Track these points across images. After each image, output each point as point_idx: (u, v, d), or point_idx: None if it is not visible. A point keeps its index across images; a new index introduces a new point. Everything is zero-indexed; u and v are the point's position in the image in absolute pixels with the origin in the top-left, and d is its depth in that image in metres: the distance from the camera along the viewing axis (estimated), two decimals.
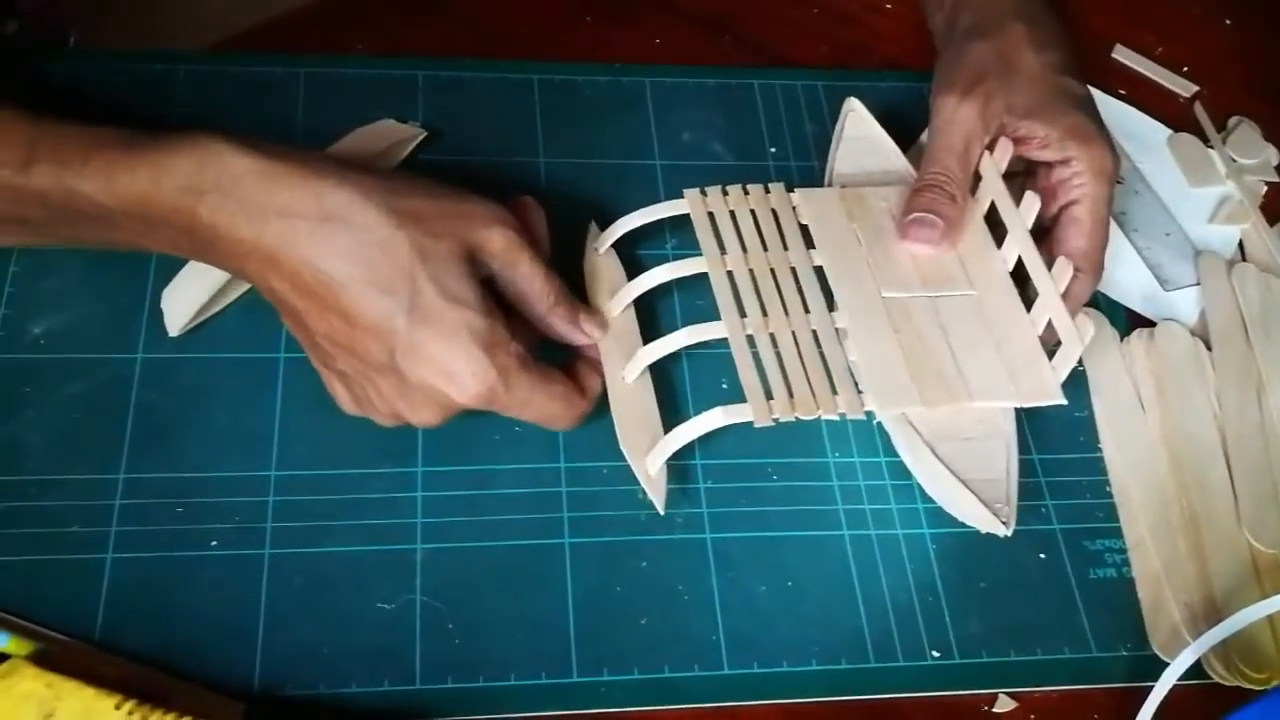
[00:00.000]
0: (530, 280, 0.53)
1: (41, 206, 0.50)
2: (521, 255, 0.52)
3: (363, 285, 0.49)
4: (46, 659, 0.47)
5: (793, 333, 0.55)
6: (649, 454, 0.54)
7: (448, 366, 0.50)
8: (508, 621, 0.52)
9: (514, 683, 0.51)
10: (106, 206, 0.49)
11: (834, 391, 0.54)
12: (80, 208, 0.49)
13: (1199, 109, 0.75)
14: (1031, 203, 0.58)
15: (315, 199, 0.49)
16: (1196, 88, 0.76)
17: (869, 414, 0.54)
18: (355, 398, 0.52)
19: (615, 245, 0.61)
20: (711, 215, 0.59)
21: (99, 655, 0.49)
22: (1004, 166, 0.60)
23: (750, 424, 0.52)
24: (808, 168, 0.67)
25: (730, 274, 0.57)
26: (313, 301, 0.49)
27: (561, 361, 0.56)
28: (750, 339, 0.55)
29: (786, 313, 0.56)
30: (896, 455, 0.58)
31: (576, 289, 0.59)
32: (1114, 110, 0.73)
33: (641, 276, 0.58)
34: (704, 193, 0.59)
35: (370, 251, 0.49)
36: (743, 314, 0.56)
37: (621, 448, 0.54)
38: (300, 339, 0.52)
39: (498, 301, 0.52)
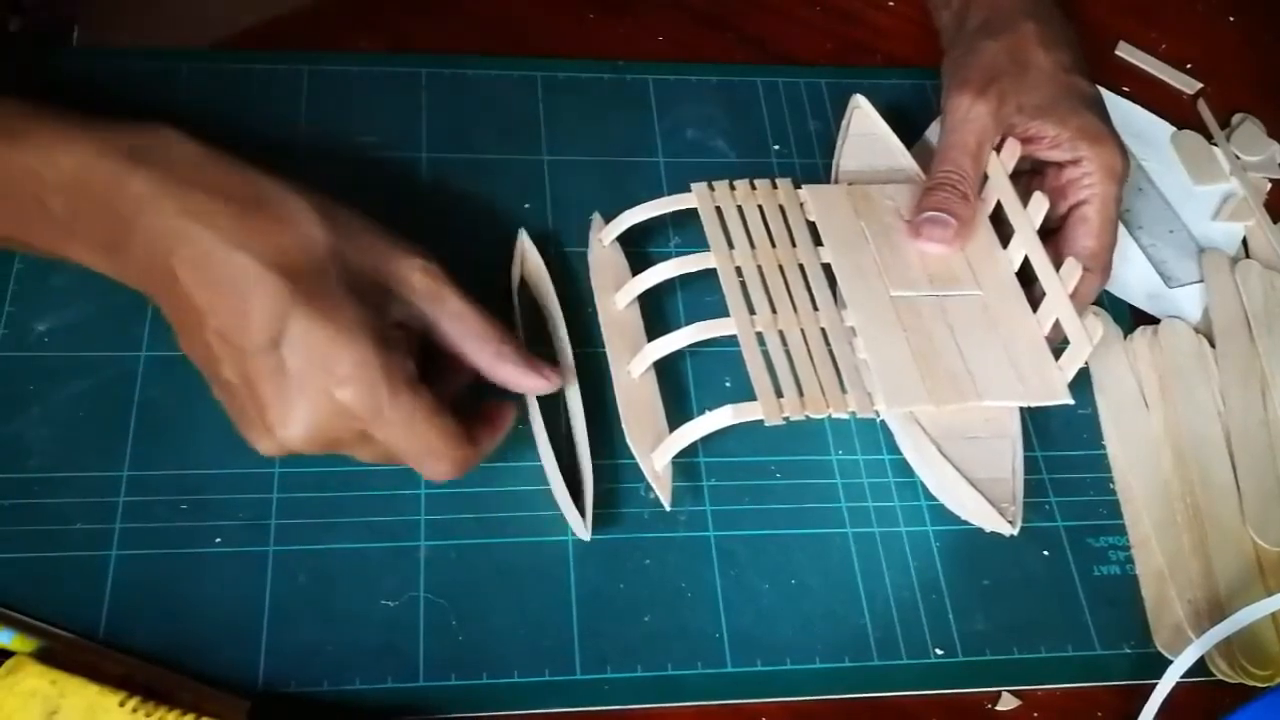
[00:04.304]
0: (463, 318, 0.50)
1: None
2: (446, 289, 0.49)
3: (266, 264, 0.46)
4: (51, 656, 0.47)
5: (802, 330, 0.55)
6: (655, 450, 0.54)
7: (333, 353, 0.45)
8: (511, 618, 0.52)
9: (517, 680, 0.51)
10: (40, 177, 0.47)
11: (844, 390, 0.54)
12: (11, 176, 0.48)
13: (1203, 106, 0.75)
14: (1040, 203, 0.58)
15: (246, 182, 0.47)
16: (1200, 85, 0.76)
17: (876, 412, 0.54)
18: (234, 407, 0.48)
19: (618, 243, 0.61)
20: (719, 210, 0.59)
21: (103, 652, 0.49)
22: (1011, 167, 0.60)
23: (754, 422, 0.52)
24: (811, 165, 0.67)
25: (738, 270, 0.57)
26: (213, 293, 0.46)
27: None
28: (759, 336, 0.55)
29: (795, 310, 0.56)
30: (900, 453, 0.58)
31: (583, 283, 0.59)
32: (1118, 108, 0.73)
33: (649, 271, 0.57)
34: (711, 187, 0.59)
35: (286, 240, 0.46)
36: (751, 311, 0.55)
37: (628, 441, 0.54)
38: (189, 346, 0.48)
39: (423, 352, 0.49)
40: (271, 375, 0.46)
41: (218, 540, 0.52)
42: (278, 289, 0.46)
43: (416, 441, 0.48)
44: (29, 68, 0.63)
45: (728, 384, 0.59)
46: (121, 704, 0.45)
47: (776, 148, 0.68)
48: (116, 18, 0.70)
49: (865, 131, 0.65)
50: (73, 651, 0.48)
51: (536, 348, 0.57)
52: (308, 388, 0.46)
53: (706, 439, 0.54)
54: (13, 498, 0.52)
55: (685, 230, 0.63)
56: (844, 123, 0.66)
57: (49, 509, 0.52)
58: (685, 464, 0.56)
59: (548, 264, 0.60)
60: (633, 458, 0.55)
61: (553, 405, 0.56)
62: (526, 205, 0.63)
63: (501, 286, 0.60)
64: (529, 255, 0.60)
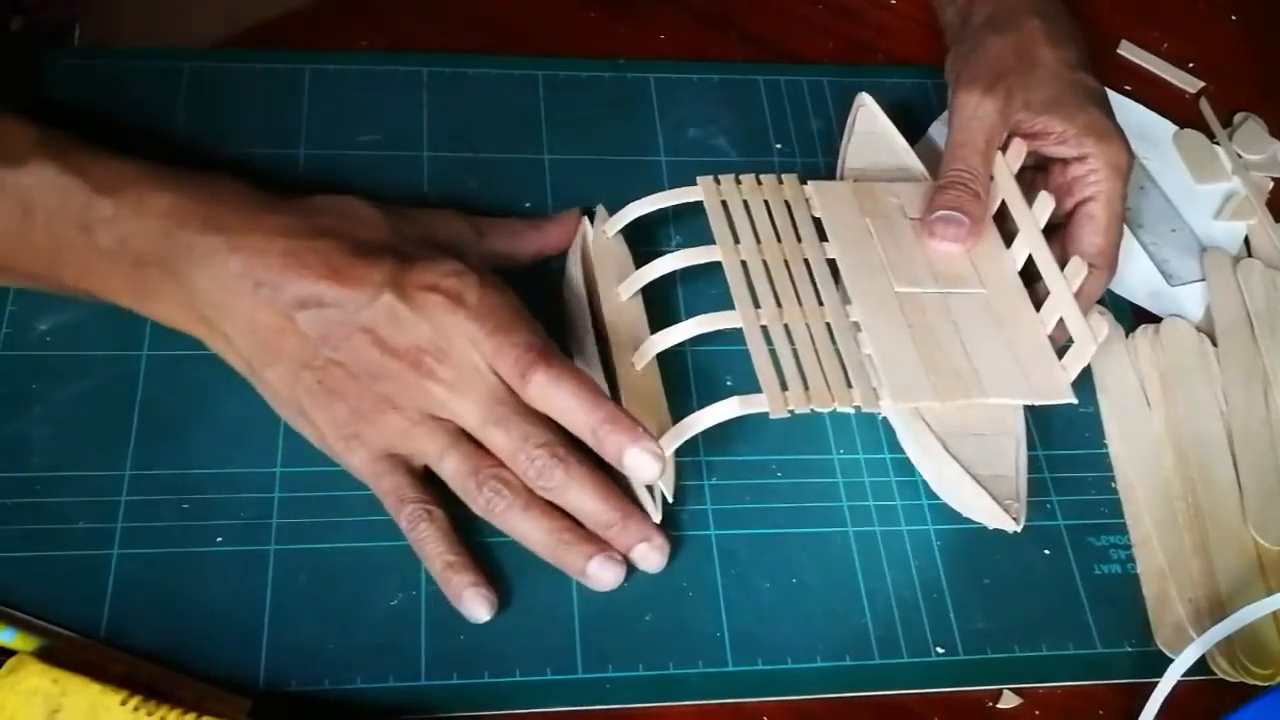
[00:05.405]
0: (499, 228, 0.59)
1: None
2: (482, 221, 0.59)
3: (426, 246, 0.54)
4: (52, 655, 0.47)
5: (807, 324, 0.55)
6: (659, 442, 0.54)
7: (441, 261, 0.52)
8: (513, 617, 0.52)
9: (519, 679, 0.51)
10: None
11: (849, 384, 0.54)
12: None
13: (1205, 105, 0.75)
14: (1046, 203, 0.58)
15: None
16: (1202, 83, 0.76)
17: (880, 407, 0.54)
18: (358, 410, 0.52)
19: (621, 235, 0.60)
20: (724, 204, 0.58)
21: (105, 651, 0.49)
22: (1016, 167, 0.60)
23: (755, 421, 0.52)
24: (813, 164, 0.67)
25: (743, 264, 0.57)
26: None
27: None
28: (764, 330, 0.55)
29: (800, 304, 0.56)
30: (901, 452, 0.58)
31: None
32: (1120, 106, 0.72)
33: (653, 263, 0.57)
34: (717, 180, 0.59)
35: (350, 204, 0.55)
36: (756, 304, 0.55)
37: None
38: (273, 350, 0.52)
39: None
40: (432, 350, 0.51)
41: (219, 539, 0.52)
42: (377, 217, 0.54)
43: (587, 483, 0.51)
44: (29, 68, 0.63)
45: (729, 383, 0.59)
46: (123, 703, 0.45)
47: (779, 146, 0.68)
48: (116, 18, 0.70)
49: (870, 129, 0.65)
50: (74, 650, 0.48)
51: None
52: (468, 355, 0.51)
53: (708, 438, 0.54)
54: (14, 497, 0.52)
55: (686, 229, 0.63)
56: (849, 120, 0.66)
57: (51, 508, 0.52)
58: (687, 463, 0.56)
59: (547, 263, 0.60)
60: None
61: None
62: (527, 204, 0.63)
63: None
64: (590, 237, 0.60)
